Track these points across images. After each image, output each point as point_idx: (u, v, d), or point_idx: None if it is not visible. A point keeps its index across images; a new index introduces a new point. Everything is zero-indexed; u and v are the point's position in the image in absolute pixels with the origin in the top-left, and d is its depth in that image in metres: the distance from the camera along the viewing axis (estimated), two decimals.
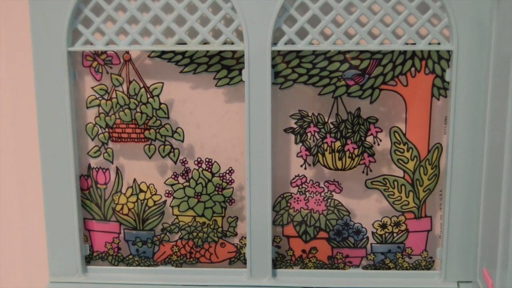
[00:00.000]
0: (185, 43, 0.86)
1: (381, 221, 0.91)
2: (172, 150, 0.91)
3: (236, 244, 0.94)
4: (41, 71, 0.87)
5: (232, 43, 0.86)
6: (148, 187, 0.92)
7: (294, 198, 0.91)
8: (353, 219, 0.92)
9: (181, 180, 0.92)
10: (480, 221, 0.83)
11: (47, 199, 0.91)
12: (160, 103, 0.90)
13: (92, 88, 0.90)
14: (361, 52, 0.86)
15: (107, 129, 0.91)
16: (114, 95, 0.90)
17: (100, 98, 0.90)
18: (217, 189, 0.92)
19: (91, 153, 0.92)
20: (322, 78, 0.88)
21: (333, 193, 0.91)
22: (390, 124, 0.88)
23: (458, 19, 0.82)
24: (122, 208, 0.93)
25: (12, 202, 0.96)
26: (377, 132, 0.89)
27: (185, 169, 0.91)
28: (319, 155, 0.90)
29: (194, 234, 0.93)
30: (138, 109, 0.90)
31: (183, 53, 0.88)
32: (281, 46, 0.85)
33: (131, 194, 0.93)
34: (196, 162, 0.91)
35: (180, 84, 0.89)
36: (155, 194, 0.92)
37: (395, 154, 0.89)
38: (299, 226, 0.92)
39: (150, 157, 0.91)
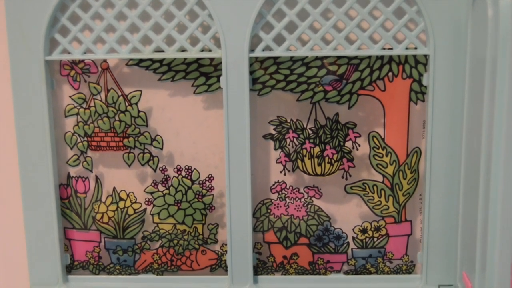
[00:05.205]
0: (162, 51, 0.86)
1: (361, 226, 0.91)
2: (151, 158, 0.91)
3: (217, 251, 0.93)
4: (19, 81, 0.87)
5: (210, 50, 0.86)
6: (128, 195, 0.92)
7: (274, 204, 0.91)
8: (334, 225, 0.92)
9: (161, 187, 0.92)
10: (459, 225, 0.84)
11: (27, 209, 0.90)
12: (139, 111, 0.89)
13: (70, 97, 0.90)
14: (339, 57, 0.86)
15: (86, 138, 0.90)
16: (92, 104, 0.90)
17: (78, 107, 0.90)
18: (197, 196, 0.91)
19: (70, 162, 0.92)
20: (300, 84, 0.88)
21: (313, 198, 0.91)
22: (368, 129, 0.89)
23: (434, 23, 0.82)
24: (102, 217, 0.93)
25: None
26: (355, 137, 0.89)
27: (165, 177, 0.91)
28: (299, 161, 0.90)
29: (175, 241, 0.93)
30: (116, 117, 0.90)
31: (160, 61, 0.88)
32: (258, 53, 0.85)
33: (111, 203, 0.92)
34: (175, 170, 0.91)
35: (159, 91, 0.89)
36: (135, 202, 0.92)
37: (374, 159, 0.89)
38: (280, 232, 0.92)
39: (129, 165, 0.91)
